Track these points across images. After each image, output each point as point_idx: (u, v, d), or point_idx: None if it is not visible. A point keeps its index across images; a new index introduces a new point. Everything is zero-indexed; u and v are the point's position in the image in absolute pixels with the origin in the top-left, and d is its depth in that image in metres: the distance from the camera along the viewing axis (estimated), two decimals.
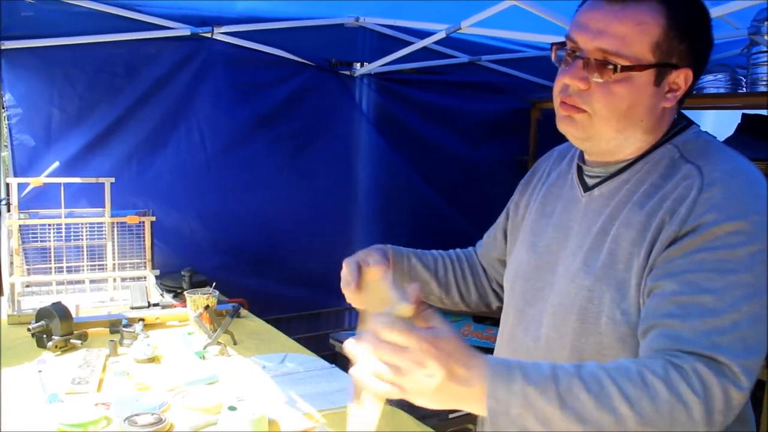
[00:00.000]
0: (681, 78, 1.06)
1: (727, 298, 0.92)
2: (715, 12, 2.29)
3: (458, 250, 1.51)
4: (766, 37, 2.86)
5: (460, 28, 2.94)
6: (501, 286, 1.41)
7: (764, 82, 2.98)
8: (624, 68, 1.02)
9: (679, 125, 1.13)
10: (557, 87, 1.11)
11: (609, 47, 1.03)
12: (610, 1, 1.04)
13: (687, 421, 0.86)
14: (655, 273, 0.99)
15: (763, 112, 3.32)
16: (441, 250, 1.48)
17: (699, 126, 1.15)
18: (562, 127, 1.12)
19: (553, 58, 1.13)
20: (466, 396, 0.83)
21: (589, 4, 1.08)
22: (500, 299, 1.42)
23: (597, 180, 1.15)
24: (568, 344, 1.10)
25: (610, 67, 1.03)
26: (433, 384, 0.81)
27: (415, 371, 0.80)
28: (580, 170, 1.21)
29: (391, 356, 0.80)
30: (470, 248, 1.53)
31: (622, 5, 1.03)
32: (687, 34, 1.05)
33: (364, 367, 0.82)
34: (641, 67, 1.03)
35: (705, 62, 1.10)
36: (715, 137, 1.14)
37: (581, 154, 1.22)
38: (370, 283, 1.12)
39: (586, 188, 1.17)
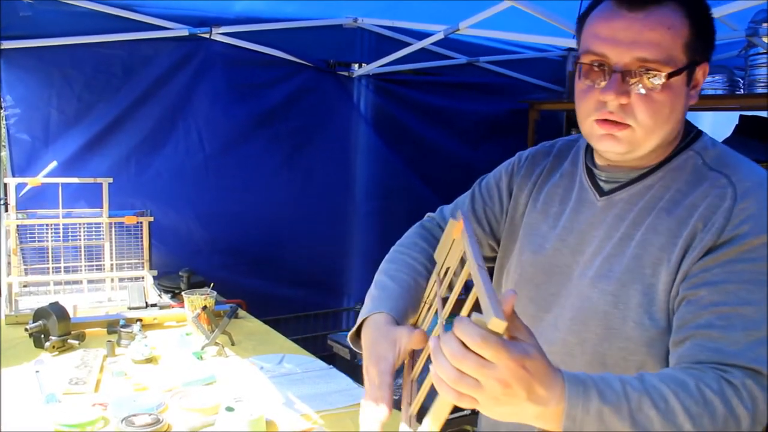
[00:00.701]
0: (701, 73, 1.08)
1: (766, 309, 0.93)
2: (713, 14, 2.30)
3: (425, 245, 1.31)
4: (763, 39, 2.87)
5: (458, 29, 2.94)
6: None
7: (762, 84, 2.98)
8: (671, 74, 1.01)
9: (692, 131, 1.13)
10: (591, 104, 1.07)
11: (648, 56, 1.01)
12: (631, 9, 1.02)
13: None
14: (691, 281, 0.99)
15: (761, 113, 3.33)
16: (418, 255, 1.29)
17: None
18: (604, 145, 1.08)
19: (577, 79, 1.09)
20: (540, 414, 0.80)
21: (606, 13, 1.05)
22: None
23: (615, 185, 1.14)
24: (590, 349, 1.09)
25: (655, 76, 1.01)
26: (511, 403, 0.77)
27: (496, 390, 0.75)
28: (590, 172, 1.19)
29: (477, 371, 0.74)
30: (430, 233, 1.37)
31: (646, 12, 1.01)
32: (705, 29, 1.06)
33: (443, 371, 0.76)
34: (680, 70, 1.02)
35: (712, 52, 1.11)
36: (725, 146, 1.15)
37: (590, 155, 1.20)
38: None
39: (602, 192, 1.15)
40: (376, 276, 1.25)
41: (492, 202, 1.34)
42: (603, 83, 1.04)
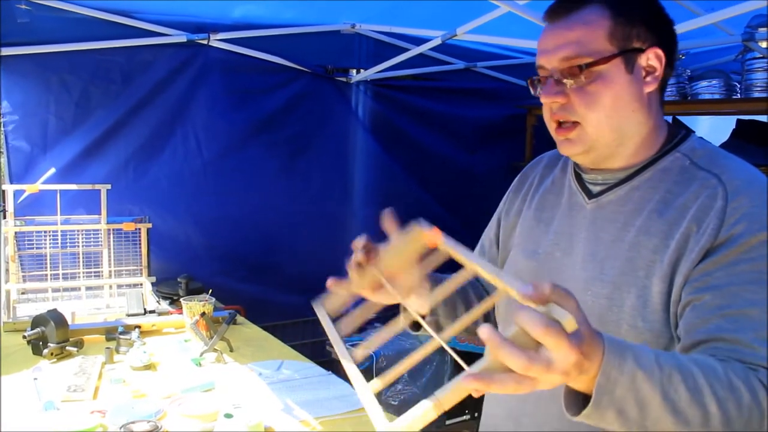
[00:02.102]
0: (652, 58, 1.09)
1: None
2: (709, 19, 2.32)
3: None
4: (760, 43, 2.88)
5: (455, 35, 2.95)
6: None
7: (758, 88, 2.99)
8: (588, 65, 1.06)
9: (679, 134, 1.15)
10: (545, 113, 1.15)
11: (569, 53, 1.07)
12: (555, 19, 1.11)
13: (758, 425, 0.88)
14: (693, 285, 1.00)
15: (758, 117, 3.34)
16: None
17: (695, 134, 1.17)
18: (564, 150, 1.14)
19: (533, 93, 1.17)
20: (578, 379, 0.79)
21: (541, 33, 1.14)
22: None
23: (603, 187, 1.16)
24: None
25: (577, 68, 1.07)
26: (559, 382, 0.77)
27: (555, 380, 0.75)
28: (578, 177, 1.21)
29: (542, 371, 0.73)
30: None
31: (566, 17, 1.09)
32: (638, 16, 1.09)
33: (514, 360, 0.73)
34: (605, 59, 1.06)
35: (672, 38, 1.13)
36: (715, 146, 1.16)
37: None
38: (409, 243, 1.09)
39: (591, 195, 1.17)
40: None
41: (493, 226, 1.41)
42: (540, 90, 1.13)
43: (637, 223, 1.08)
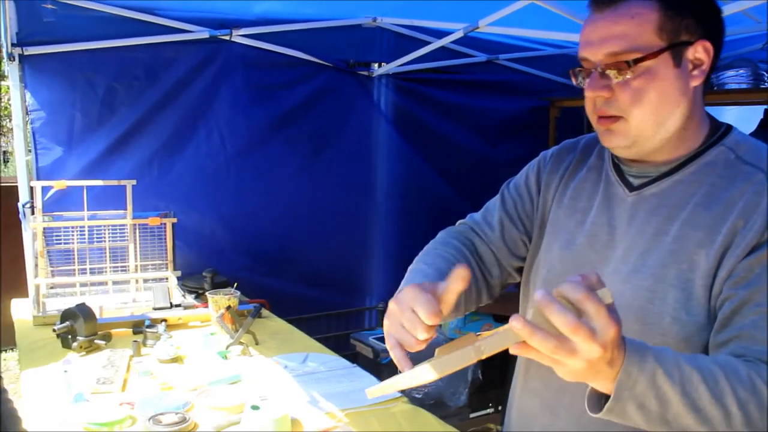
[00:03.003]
0: (700, 51, 1.06)
1: None
2: (735, 7, 2.28)
3: (459, 244, 1.32)
4: None
5: (477, 27, 2.94)
6: (501, 278, 1.34)
7: None
8: (637, 60, 1.03)
9: (722, 127, 1.13)
10: (588, 106, 1.12)
11: (616, 49, 1.04)
12: (601, 10, 1.07)
13: None
14: (735, 280, 0.99)
15: None
16: (453, 251, 1.29)
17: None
18: (606, 142, 1.12)
19: (575, 83, 1.15)
20: (602, 373, 0.82)
21: (585, 22, 1.11)
22: (491, 294, 1.34)
23: (644, 180, 1.14)
24: None
25: (624, 64, 1.04)
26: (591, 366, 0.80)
27: (594, 353, 0.78)
28: (617, 168, 1.19)
29: (586, 337, 0.76)
30: (463, 235, 1.37)
31: (612, 8, 1.06)
32: (688, 8, 1.05)
33: (541, 340, 0.76)
34: (653, 54, 1.03)
35: (720, 29, 1.10)
36: (758, 140, 1.14)
37: None
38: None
39: (632, 188, 1.15)
40: (411, 266, 1.26)
41: (522, 200, 1.34)
42: (586, 83, 1.11)
43: (682, 216, 1.06)
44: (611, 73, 1.06)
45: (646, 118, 1.06)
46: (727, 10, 2.24)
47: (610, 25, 1.05)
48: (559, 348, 0.77)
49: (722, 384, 0.86)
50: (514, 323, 0.76)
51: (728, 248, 1.01)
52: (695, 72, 1.07)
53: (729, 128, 1.13)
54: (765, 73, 3.09)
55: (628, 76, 1.04)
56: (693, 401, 0.84)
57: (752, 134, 1.13)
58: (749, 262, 0.98)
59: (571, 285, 0.77)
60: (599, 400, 0.87)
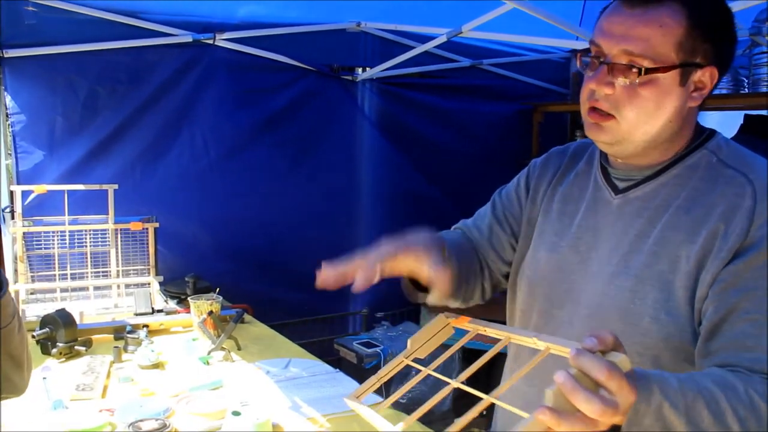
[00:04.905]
0: (706, 76, 1.07)
1: None
2: (734, 23, 2.29)
3: (457, 238, 1.38)
4: (767, 38, 2.86)
5: (461, 32, 2.94)
6: (491, 281, 1.37)
7: (766, 83, 2.98)
8: (649, 70, 1.04)
9: (705, 131, 1.14)
10: (584, 93, 1.12)
11: (634, 49, 1.04)
12: (632, 6, 1.05)
13: None
14: (722, 286, 0.99)
15: (765, 112, 3.32)
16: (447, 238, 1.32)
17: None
18: (591, 134, 1.12)
19: (578, 65, 1.14)
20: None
21: (610, 9, 1.10)
22: (484, 296, 1.38)
23: (629, 183, 1.15)
24: None
25: (635, 69, 1.04)
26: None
27: (617, 419, 0.78)
28: (605, 171, 1.20)
29: (611, 414, 0.76)
30: (460, 235, 1.41)
31: (644, 9, 1.04)
32: (710, 33, 1.06)
33: (588, 403, 0.75)
34: (666, 68, 1.04)
35: (730, 59, 1.11)
36: (740, 145, 1.15)
37: (604, 155, 1.21)
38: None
39: (617, 190, 1.16)
40: None
41: (511, 205, 1.37)
42: (591, 73, 1.10)
43: (664, 218, 1.08)
44: (619, 73, 1.06)
45: (637, 124, 1.07)
46: None
47: (636, 24, 1.04)
48: (585, 427, 0.76)
49: (723, 406, 0.87)
50: (540, 416, 0.75)
51: (710, 251, 1.01)
52: (695, 94, 1.08)
53: (713, 132, 1.15)
54: (745, 79, 3.13)
55: (635, 80, 1.05)
56: (697, 426, 0.85)
57: (732, 139, 1.14)
58: (735, 267, 0.99)
59: (592, 362, 0.76)
60: None
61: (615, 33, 1.06)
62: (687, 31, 1.04)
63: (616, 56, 1.05)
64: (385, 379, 0.99)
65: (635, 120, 1.07)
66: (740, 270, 0.99)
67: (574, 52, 4.02)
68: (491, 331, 0.98)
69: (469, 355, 3.20)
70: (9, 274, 2.80)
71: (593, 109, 1.10)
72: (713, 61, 1.07)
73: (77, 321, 2.23)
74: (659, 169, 1.12)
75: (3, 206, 2.88)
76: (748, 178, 1.04)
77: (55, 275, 2.78)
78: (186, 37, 3.19)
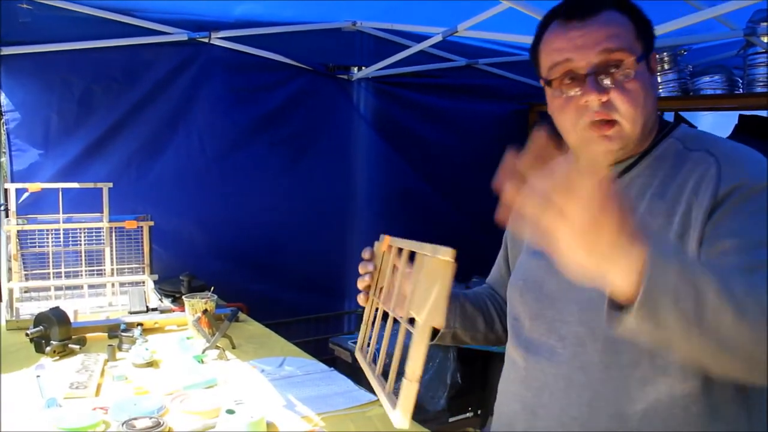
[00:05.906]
0: (654, 61, 1.15)
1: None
2: (710, 13, 2.31)
3: (477, 288, 1.53)
4: (761, 38, 2.87)
5: (456, 32, 2.95)
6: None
7: (761, 83, 2.99)
8: (638, 59, 1.09)
9: (669, 124, 1.20)
10: (571, 115, 1.13)
11: (611, 46, 1.08)
12: (582, 19, 1.10)
13: None
14: (709, 241, 1.00)
15: (760, 112, 3.33)
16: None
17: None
18: (600, 147, 1.13)
19: (550, 96, 1.17)
20: (624, 255, 0.78)
21: (556, 31, 1.14)
22: (499, 338, 1.46)
23: None
24: (601, 337, 1.11)
25: (624, 67, 1.08)
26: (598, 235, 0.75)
27: (586, 214, 0.75)
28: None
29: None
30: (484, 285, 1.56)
31: (593, 17, 1.10)
32: (642, 22, 1.13)
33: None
34: (642, 56, 1.10)
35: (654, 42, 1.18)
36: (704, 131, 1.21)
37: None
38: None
39: None
40: None
41: (507, 237, 1.47)
42: (578, 90, 1.11)
43: (642, 207, 1.11)
44: (606, 77, 1.08)
45: (637, 120, 1.11)
46: (702, 17, 2.27)
47: (597, 29, 1.09)
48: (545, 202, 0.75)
49: (726, 274, 0.83)
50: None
51: (689, 224, 1.04)
52: (653, 81, 1.15)
53: (677, 123, 1.20)
54: (739, 79, 3.13)
55: (620, 78, 1.08)
56: (730, 290, 0.80)
57: (728, 139, 1.17)
58: (714, 219, 1.01)
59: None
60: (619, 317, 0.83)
61: (583, 44, 1.10)
62: (634, 25, 1.11)
63: (598, 62, 1.09)
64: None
65: (634, 115, 1.10)
66: (721, 220, 1.01)
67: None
68: (400, 241, 1.12)
69: (465, 354, 3.21)
70: (3, 272, 2.79)
71: (593, 124, 1.11)
72: (652, 47, 1.14)
73: (71, 319, 2.23)
74: (631, 163, 1.17)
75: None
76: (711, 152, 1.08)
77: (49, 273, 2.78)
78: (181, 36, 3.18)
